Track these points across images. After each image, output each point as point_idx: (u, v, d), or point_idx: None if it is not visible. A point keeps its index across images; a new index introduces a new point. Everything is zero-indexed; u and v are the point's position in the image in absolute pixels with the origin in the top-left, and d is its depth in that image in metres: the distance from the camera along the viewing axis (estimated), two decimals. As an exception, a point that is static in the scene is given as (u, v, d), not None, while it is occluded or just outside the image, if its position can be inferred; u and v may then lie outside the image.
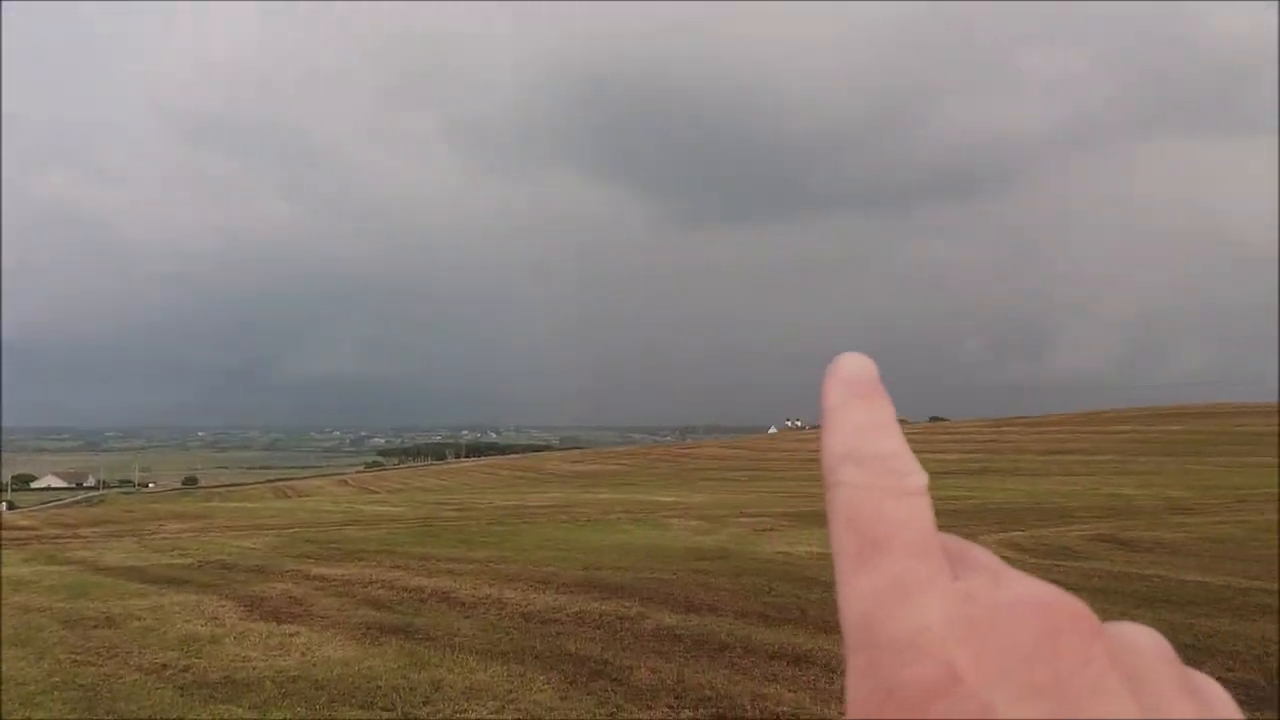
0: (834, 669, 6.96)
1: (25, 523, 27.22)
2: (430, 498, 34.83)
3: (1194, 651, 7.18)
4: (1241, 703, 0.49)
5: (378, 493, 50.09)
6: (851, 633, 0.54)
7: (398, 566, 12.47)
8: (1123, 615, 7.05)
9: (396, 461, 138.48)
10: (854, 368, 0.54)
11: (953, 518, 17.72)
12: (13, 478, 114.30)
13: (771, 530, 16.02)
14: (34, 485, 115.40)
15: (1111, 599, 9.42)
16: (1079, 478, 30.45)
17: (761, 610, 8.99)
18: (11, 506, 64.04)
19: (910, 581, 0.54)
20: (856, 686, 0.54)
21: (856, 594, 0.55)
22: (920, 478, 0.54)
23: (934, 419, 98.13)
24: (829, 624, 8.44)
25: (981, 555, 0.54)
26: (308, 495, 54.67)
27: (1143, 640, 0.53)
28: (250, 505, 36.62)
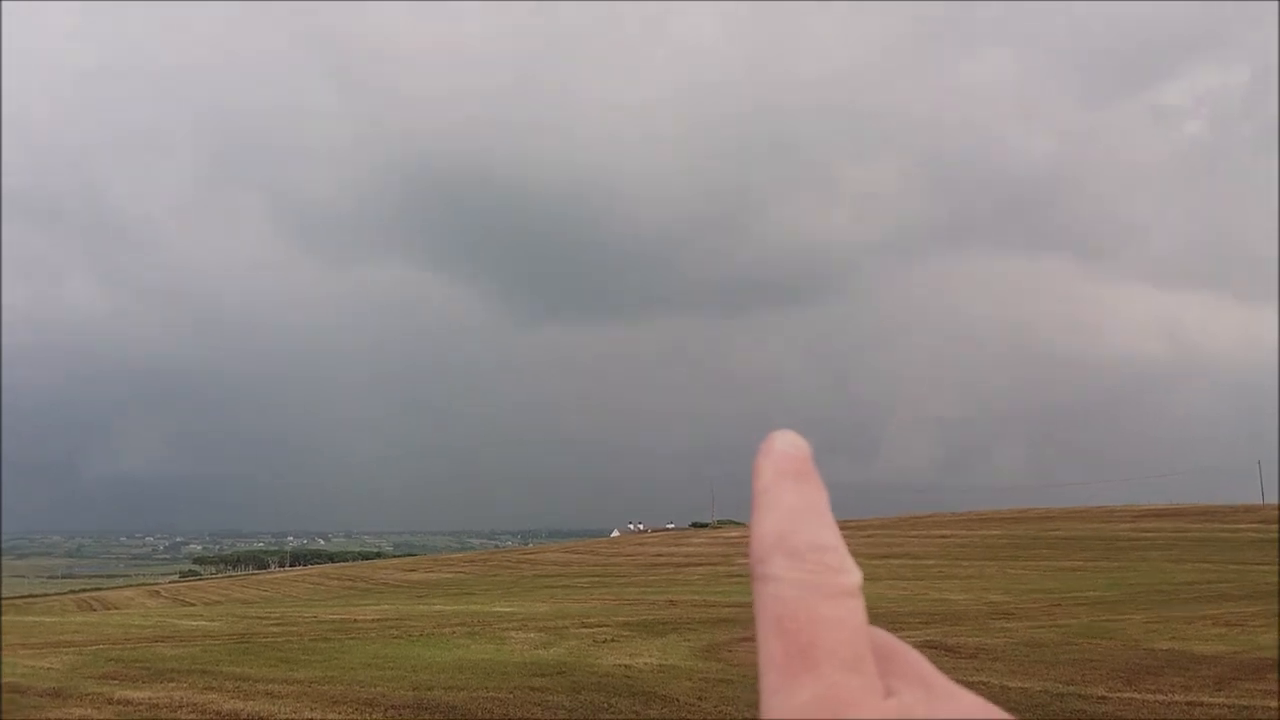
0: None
1: None
2: (250, 610, 32.89)
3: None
4: None
5: (193, 605, 47.00)
6: None
7: (211, 688, 11.64)
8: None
9: (215, 570, 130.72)
10: (786, 446, 0.52)
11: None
12: None
13: (612, 641, 15.79)
14: None
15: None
16: (907, 582, 31.46)
17: (599, 729, 8.79)
18: None
19: (840, 699, 0.50)
20: None
21: (784, 708, 0.51)
22: (854, 575, 0.52)
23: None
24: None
25: (912, 658, 0.52)
26: (116, 608, 50.77)
27: None
28: (50, 619, 33.62)
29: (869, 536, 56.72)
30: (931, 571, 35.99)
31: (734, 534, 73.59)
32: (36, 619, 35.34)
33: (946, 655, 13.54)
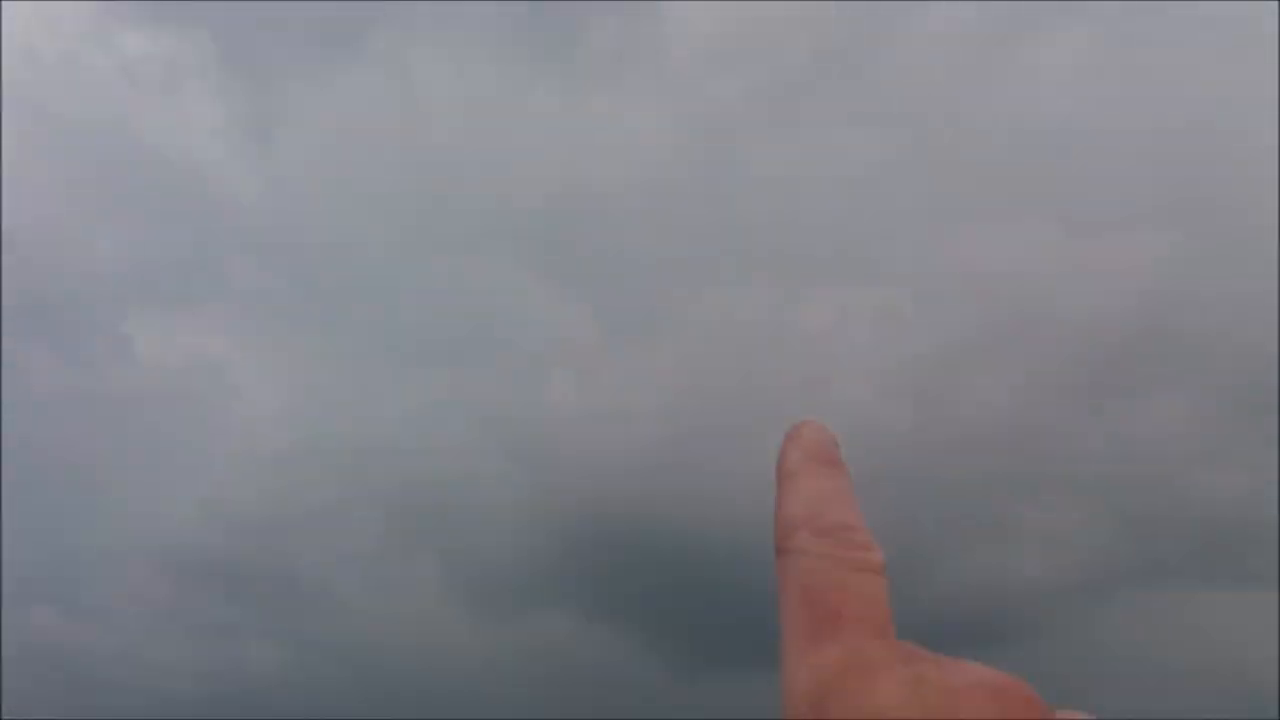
0: None
1: None
2: None
3: None
4: None
5: None
6: (799, 707, 0.52)
7: None
8: None
9: None
10: (814, 434, 0.52)
11: None
12: None
13: None
14: None
15: None
16: None
17: None
18: None
19: (867, 660, 0.50)
20: None
21: (810, 667, 0.52)
22: (878, 554, 0.49)
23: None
24: None
25: (917, 648, 0.48)
26: None
27: None
28: None
29: None
30: None
31: None
32: None
33: None
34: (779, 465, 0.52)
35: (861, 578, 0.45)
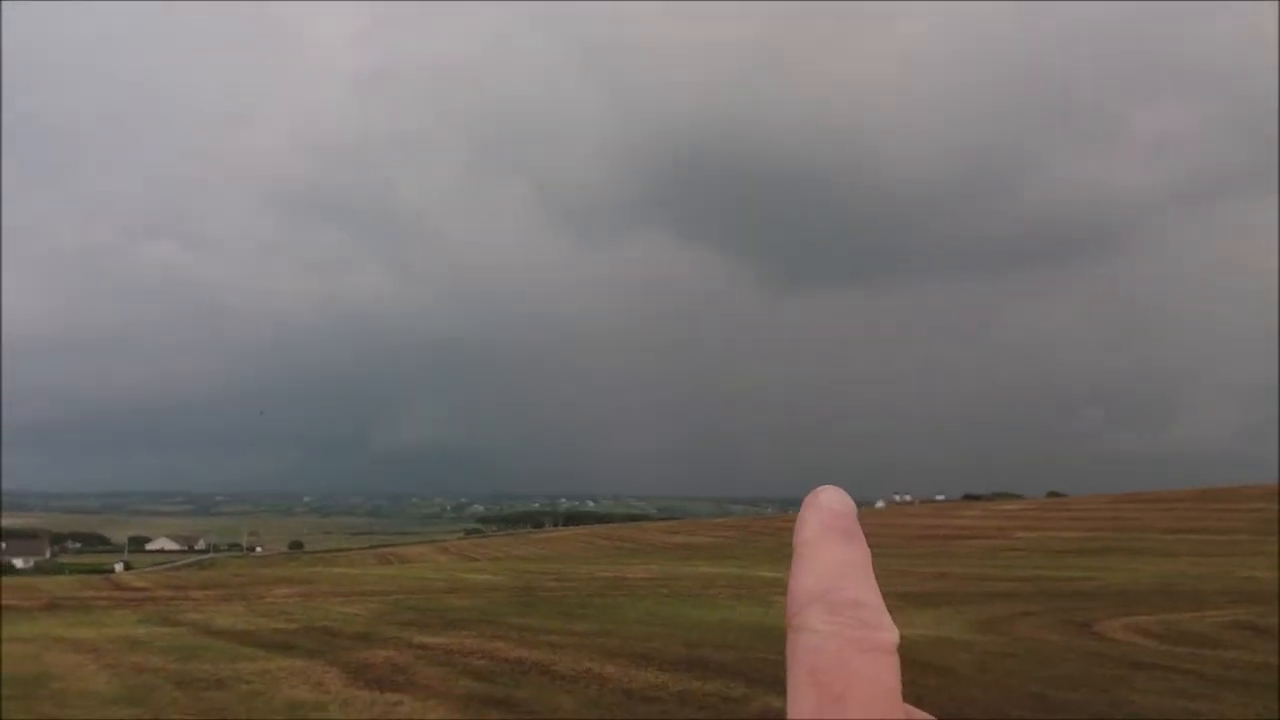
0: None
1: (140, 584, 28.10)
2: (529, 567, 34.85)
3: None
4: None
5: (478, 560, 50.37)
6: None
7: (498, 637, 12.39)
8: (1265, 709, 6.43)
9: (496, 529, 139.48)
10: (833, 502, 0.51)
11: (1072, 599, 16.87)
12: (129, 539, 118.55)
13: (879, 609, 15.42)
14: (148, 547, 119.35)
15: (1254, 691, 8.74)
16: (1210, 558, 28.72)
17: (873, 694, 8.58)
18: (128, 567, 66.52)
19: None
20: None
21: None
22: (891, 634, 0.51)
23: (1051, 494, 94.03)
24: (946, 712, 7.98)
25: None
26: (410, 562, 55.31)
27: None
28: (354, 571, 37.22)
29: (1167, 510, 52.31)
30: (1240, 548, 32.73)
31: (1010, 507, 70.20)
32: (343, 570, 39.18)
33: (1257, 637, 12.25)
34: (796, 533, 0.51)
35: (871, 659, 0.50)
